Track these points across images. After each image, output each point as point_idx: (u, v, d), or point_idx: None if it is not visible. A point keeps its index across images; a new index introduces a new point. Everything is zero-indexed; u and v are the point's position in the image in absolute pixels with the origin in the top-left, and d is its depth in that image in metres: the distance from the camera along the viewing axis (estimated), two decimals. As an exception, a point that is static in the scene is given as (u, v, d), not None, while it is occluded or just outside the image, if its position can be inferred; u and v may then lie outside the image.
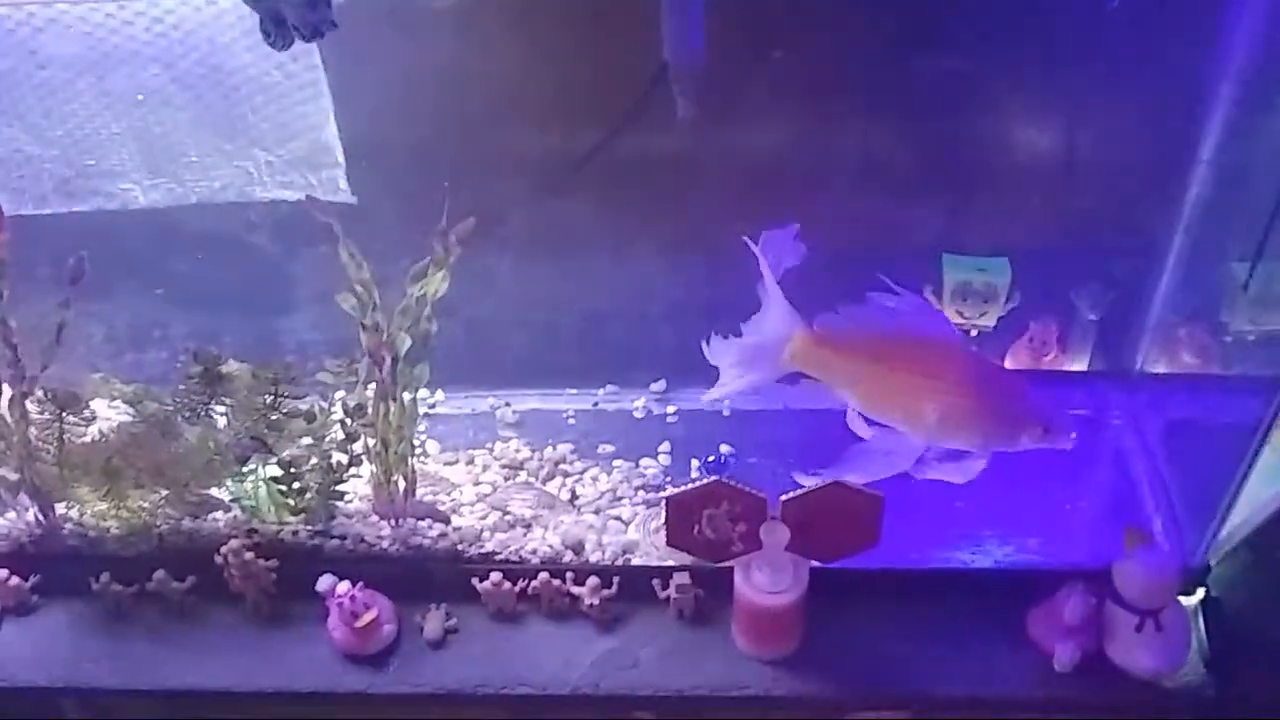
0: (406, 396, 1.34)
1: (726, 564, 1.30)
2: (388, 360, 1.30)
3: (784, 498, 1.25)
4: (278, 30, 1.10)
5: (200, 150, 1.40)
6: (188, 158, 1.41)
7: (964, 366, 1.28)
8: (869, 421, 1.34)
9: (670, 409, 1.62)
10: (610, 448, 1.56)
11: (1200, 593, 1.35)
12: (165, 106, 1.36)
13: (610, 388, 1.65)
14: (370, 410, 1.33)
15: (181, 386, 1.31)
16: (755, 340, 1.31)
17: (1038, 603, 1.32)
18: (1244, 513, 1.29)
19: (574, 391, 1.64)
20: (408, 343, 1.31)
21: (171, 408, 1.31)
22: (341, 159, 1.40)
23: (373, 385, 1.32)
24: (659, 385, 1.64)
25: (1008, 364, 1.59)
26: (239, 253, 1.48)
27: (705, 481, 1.26)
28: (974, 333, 1.55)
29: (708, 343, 1.34)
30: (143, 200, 1.44)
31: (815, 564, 1.30)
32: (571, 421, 1.61)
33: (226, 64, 1.33)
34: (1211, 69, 1.31)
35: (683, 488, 1.27)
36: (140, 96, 1.36)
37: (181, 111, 1.36)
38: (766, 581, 1.28)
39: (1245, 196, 1.33)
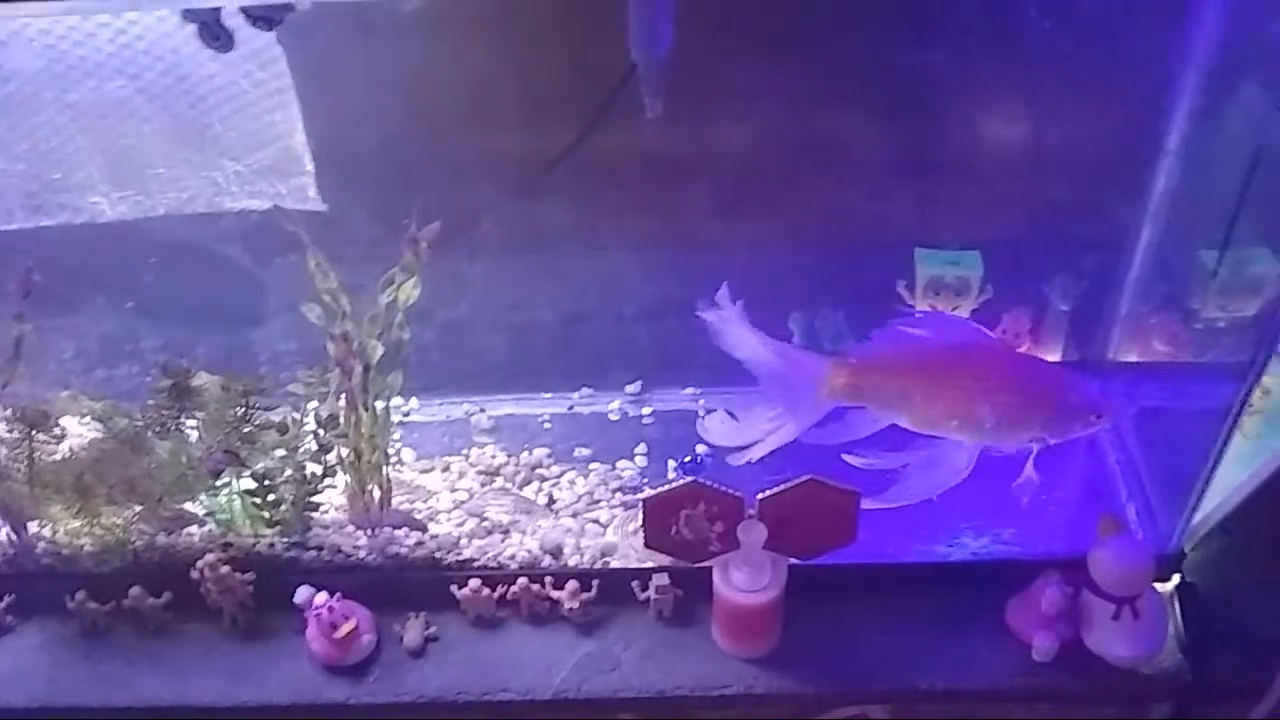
0: (379, 405, 1.34)
1: (705, 564, 1.30)
2: (357, 370, 1.29)
3: (760, 496, 1.25)
4: (219, 30, 1.10)
5: (168, 162, 1.39)
6: (155, 169, 1.39)
7: (1010, 365, 1.32)
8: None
9: (646, 410, 1.62)
10: (587, 451, 1.56)
11: (1176, 579, 1.36)
12: (131, 118, 1.35)
13: (585, 390, 1.65)
14: (342, 420, 1.33)
15: (151, 401, 1.30)
16: (784, 391, 1.34)
17: (1015, 593, 1.33)
18: (1217, 498, 1.31)
19: (549, 395, 1.64)
20: (379, 351, 1.30)
21: (142, 423, 1.30)
22: (311, 167, 1.40)
23: (344, 395, 1.32)
24: (634, 387, 1.64)
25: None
26: (210, 263, 1.47)
27: (682, 482, 1.26)
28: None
29: (704, 423, 1.40)
30: (110, 213, 1.43)
31: (793, 561, 1.30)
32: (547, 425, 1.61)
33: (193, 74, 1.32)
34: (1176, 58, 1.32)
35: (659, 489, 1.27)
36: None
37: (148, 123, 1.35)
38: (745, 580, 1.28)
39: (1212, 185, 1.34)
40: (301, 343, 1.49)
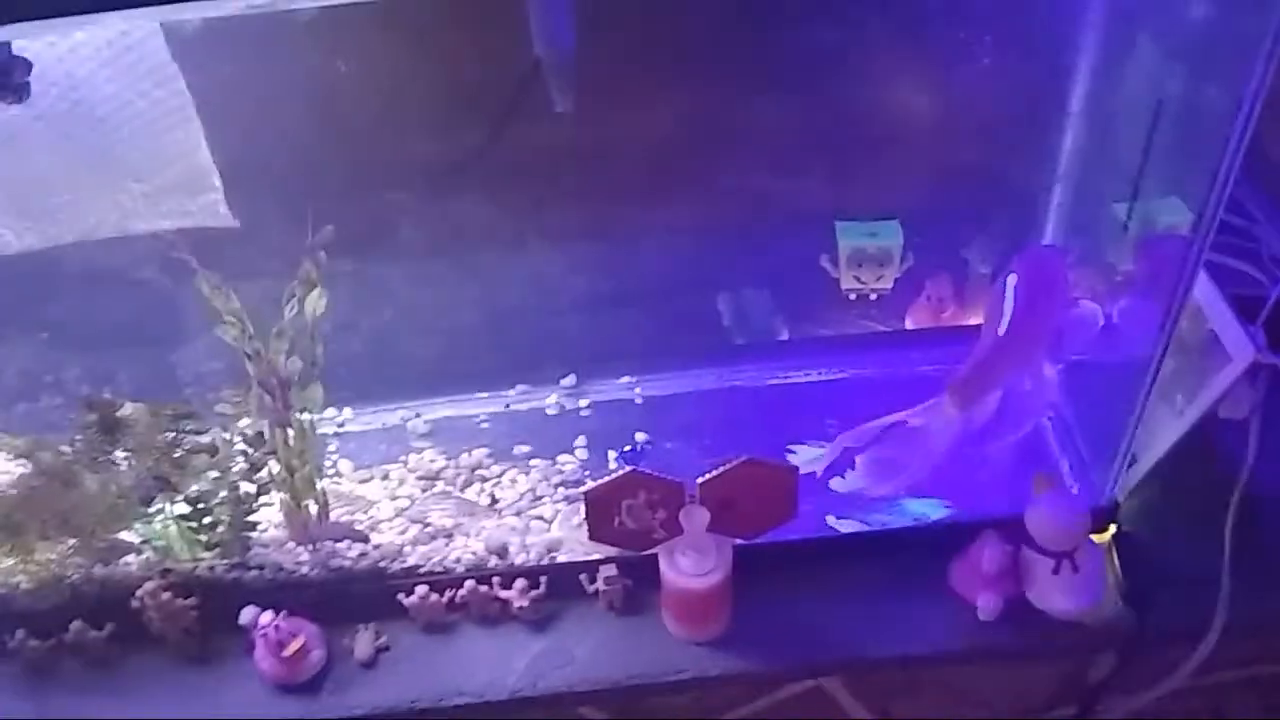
0: (304, 419, 1.32)
1: (651, 552, 1.31)
2: (277, 386, 1.28)
3: (700, 480, 1.26)
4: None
5: (72, 187, 1.36)
6: (59, 197, 1.36)
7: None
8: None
9: (583, 402, 1.61)
10: (526, 448, 1.55)
11: (1112, 529, 1.39)
12: (29, 146, 1.31)
13: (521, 387, 1.64)
14: (269, 437, 1.31)
15: (78, 437, 1.27)
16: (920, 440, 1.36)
17: (957, 556, 1.35)
18: (1147, 448, 1.33)
19: (484, 395, 1.63)
20: (298, 365, 1.29)
21: (70, 456, 1.28)
22: (218, 183, 1.37)
23: (269, 412, 1.30)
24: (569, 380, 1.63)
25: (908, 324, 1.62)
26: (125, 287, 1.44)
27: (621, 473, 1.26)
28: (874, 296, 1.57)
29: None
30: (17, 245, 1.39)
31: (738, 542, 1.31)
32: (485, 425, 1.60)
33: (89, 97, 1.28)
34: (1075, 16, 1.34)
35: (599, 482, 1.27)
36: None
37: (47, 150, 1.32)
38: (691, 565, 1.29)
39: (1118, 140, 1.36)
40: (225, 361, 1.47)
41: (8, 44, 1.10)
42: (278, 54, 1.29)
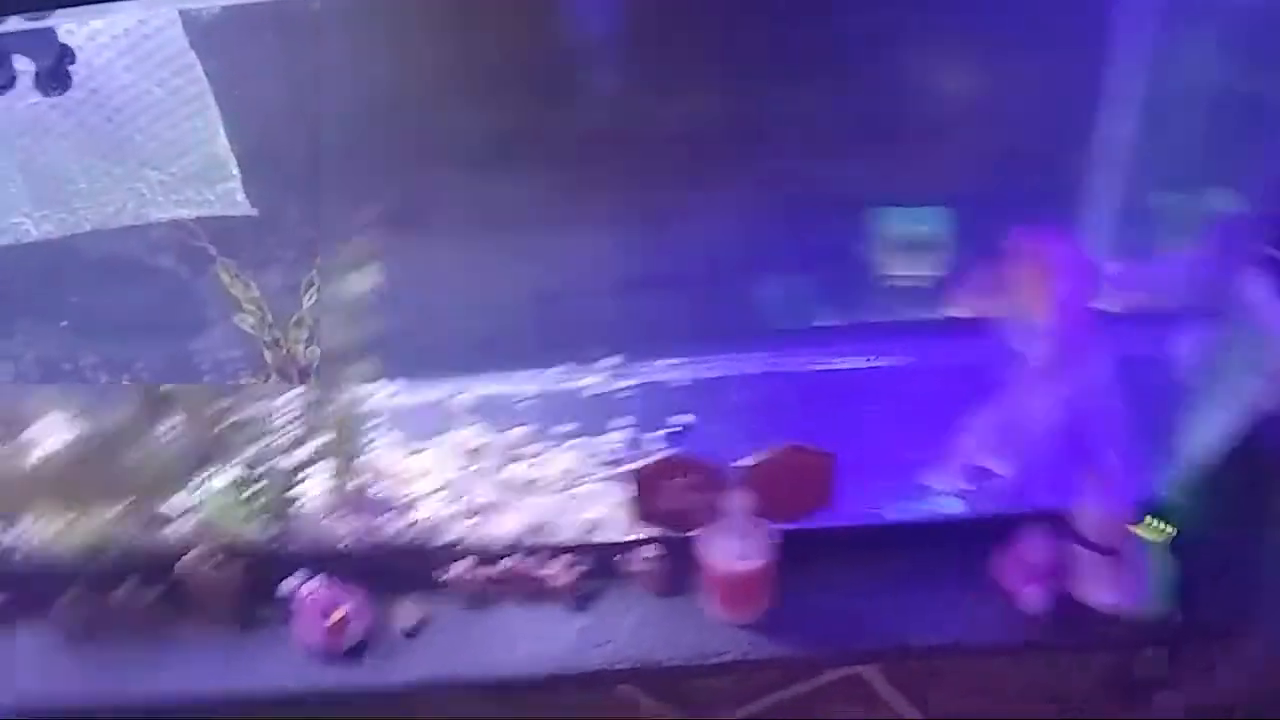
0: (347, 396, 1.32)
1: (692, 533, 1.31)
2: (295, 375, 1.29)
3: (743, 465, 1.26)
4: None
5: (89, 176, 1.36)
6: (77, 185, 1.36)
7: None
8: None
9: (625, 384, 1.62)
10: (568, 427, 1.55)
11: (1160, 524, 1.37)
12: (48, 135, 1.31)
13: (564, 367, 1.64)
14: (315, 413, 1.32)
15: (126, 410, 1.29)
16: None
17: (1003, 548, 1.34)
18: (1197, 444, 1.31)
19: (528, 374, 1.64)
20: (317, 353, 1.29)
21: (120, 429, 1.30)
22: (236, 171, 1.37)
23: (312, 391, 1.31)
24: (613, 361, 1.63)
25: (952, 312, 1.60)
26: (144, 275, 1.44)
27: (664, 455, 1.26)
28: (917, 284, 1.56)
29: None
30: (35, 233, 1.39)
31: (778, 526, 1.30)
32: (528, 404, 1.61)
33: (106, 85, 1.28)
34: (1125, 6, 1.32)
35: (643, 462, 1.27)
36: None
37: (65, 139, 1.31)
38: (732, 549, 1.28)
39: (1168, 132, 1.34)
40: (243, 350, 1.47)
41: (53, 29, 1.10)
42: (298, 39, 1.29)
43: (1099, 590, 1.29)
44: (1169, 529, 1.36)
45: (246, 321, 1.27)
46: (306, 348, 1.30)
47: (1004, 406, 1.34)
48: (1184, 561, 1.33)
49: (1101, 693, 1.44)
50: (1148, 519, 1.36)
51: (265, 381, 1.31)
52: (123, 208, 1.38)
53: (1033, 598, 1.30)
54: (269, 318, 1.27)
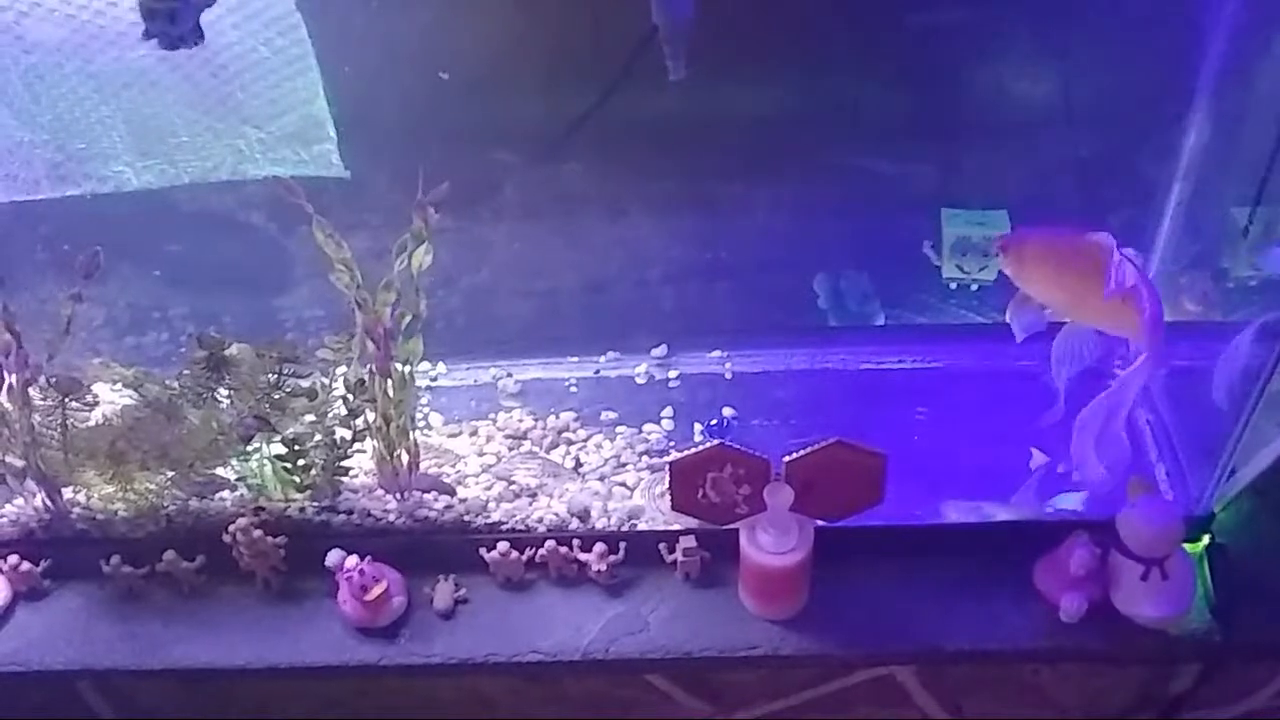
0: (403, 371, 1.34)
1: (731, 526, 1.31)
2: (383, 336, 1.30)
3: (787, 459, 1.25)
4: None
5: (191, 130, 1.39)
6: (178, 138, 1.39)
7: None
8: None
9: (672, 373, 1.62)
10: (613, 414, 1.56)
11: (1205, 539, 1.36)
12: (154, 88, 1.34)
13: (611, 354, 1.65)
14: (369, 386, 1.33)
15: (186, 371, 1.31)
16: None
17: (1043, 554, 1.33)
18: (1248, 458, 1.30)
19: (575, 359, 1.64)
20: (407, 317, 1.31)
21: (175, 390, 1.32)
22: (333, 133, 1.39)
23: (370, 361, 1.32)
24: (660, 350, 1.64)
25: (1010, 316, 1.59)
26: (236, 230, 1.47)
27: (708, 445, 1.26)
28: (975, 286, 1.55)
29: None
30: (136, 183, 1.43)
31: (821, 523, 1.30)
32: (574, 389, 1.61)
33: (213, 42, 1.30)
34: (1207, 15, 1.30)
35: (686, 452, 1.27)
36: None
37: (170, 92, 1.35)
38: (772, 543, 1.28)
39: (1243, 142, 1.32)
40: (327, 309, 1.50)
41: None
42: (398, 8, 1.31)
43: (1139, 602, 1.28)
44: (1215, 544, 1.35)
45: (340, 280, 1.28)
46: (394, 311, 1.30)
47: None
48: (1228, 578, 1.32)
49: (1136, 706, 1.42)
50: (1194, 533, 1.34)
51: (349, 340, 1.33)
52: (221, 162, 1.43)
53: (1072, 606, 1.28)
54: (359, 278, 1.28)
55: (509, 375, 1.63)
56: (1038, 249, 1.25)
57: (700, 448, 1.27)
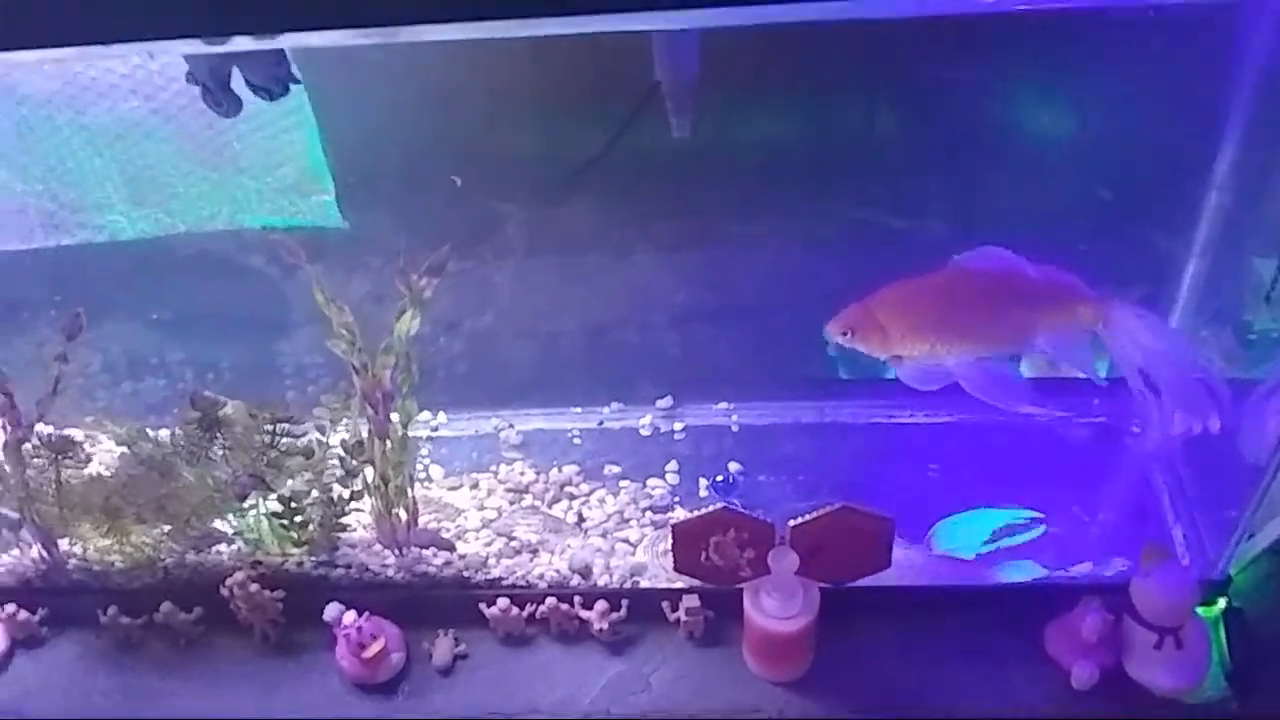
0: (400, 432, 1.32)
1: (736, 586, 1.28)
2: (380, 400, 1.28)
3: (792, 523, 1.23)
4: (225, 96, 1.08)
5: (186, 181, 1.38)
6: (173, 189, 1.38)
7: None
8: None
9: (677, 426, 1.60)
10: (617, 468, 1.54)
11: (1222, 604, 1.32)
12: (147, 139, 1.33)
13: (615, 405, 1.62)
14: (366, 446, 1.32)
15: (179, 430, 1.29)
16: None
17: (1054, 619, 1.30)
18: (1266, 522, 1.26)
19: (578, 410, 1.62)
20: (406, 384, 1.29)
21: (169, 449, 1.30)
22: (331, 184, 1.37)
23: (367, 421, 1.30)
24: (665, 402, 1.62)
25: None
26: (232, 278, 1.46)
27: (711, 509, 1.24)
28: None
29: None
30: (130, 232, 1.41)
31: (829, 587, 1.28)
32: (577, 441, 1.59)
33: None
34: (1229, 67, 1.26)
35: (688, 516, 1.25)
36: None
37: (164, 143, 1.34)
38: (776, 607, 1.26)
39: (1267, 196, 1.29)
40: (326, 355, 1.48)
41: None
42: (395, 59, 1.28)
43: (1153, 670, 1.25)
44: (1232, 608, 1.32)
45: (339, 347, 1.27)
46: (393, 375, 1.29)
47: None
48: (1245, 644, 1.29)
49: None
50: (1210, 596, 1.31)
51: (346, 401, 1.32)
52: (217, 212, 1.42)
53: (1084, 674, 1.25)
54: (359, 343, 1.27)
55: (511, 426, 1.61)
56: (885, 310, 1.24)
57: (703, 511, 1.24)
